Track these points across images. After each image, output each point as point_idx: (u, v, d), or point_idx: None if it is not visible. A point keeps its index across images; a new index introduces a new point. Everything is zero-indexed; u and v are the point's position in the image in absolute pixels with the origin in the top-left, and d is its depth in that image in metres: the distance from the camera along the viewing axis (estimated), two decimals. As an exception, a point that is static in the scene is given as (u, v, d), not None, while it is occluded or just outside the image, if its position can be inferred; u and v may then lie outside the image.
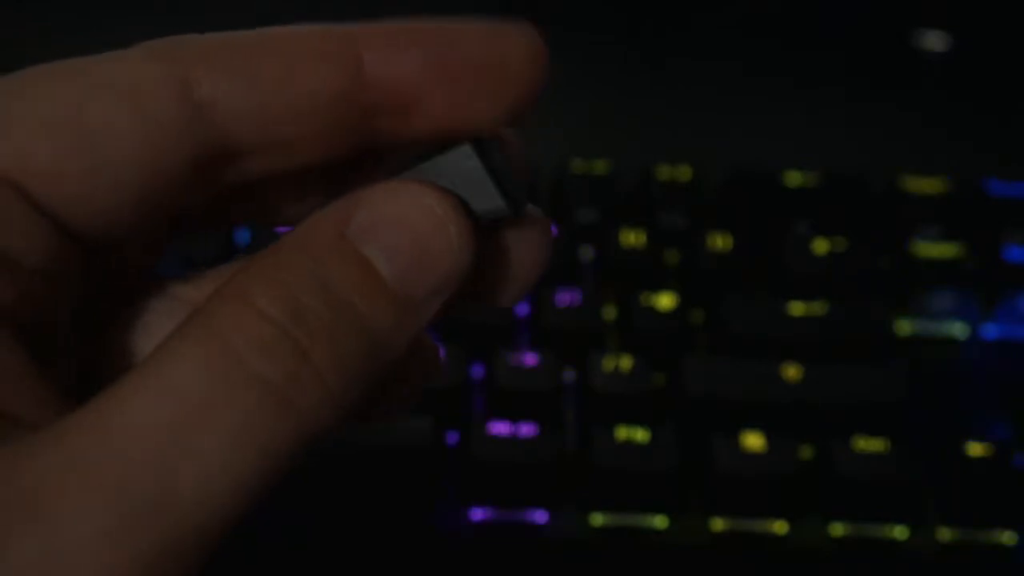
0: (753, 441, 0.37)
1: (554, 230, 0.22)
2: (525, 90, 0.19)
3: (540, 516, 0.37)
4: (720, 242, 0.42)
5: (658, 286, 0.41)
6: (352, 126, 0.20)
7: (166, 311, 0.21)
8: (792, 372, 0.39)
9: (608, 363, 0.38)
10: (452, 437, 0.38)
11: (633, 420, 0.37)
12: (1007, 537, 0.37)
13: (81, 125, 0.18)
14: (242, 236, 0.42)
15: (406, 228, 0.18)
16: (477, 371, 0.39)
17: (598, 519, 0.37)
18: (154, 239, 0.21)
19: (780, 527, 0.37)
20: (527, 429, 0.37)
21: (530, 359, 0.38)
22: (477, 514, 0.37)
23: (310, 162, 0.20)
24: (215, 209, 0.21)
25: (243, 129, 0.19)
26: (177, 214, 0.20)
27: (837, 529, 0.37)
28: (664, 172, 0.44)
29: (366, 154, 0.21)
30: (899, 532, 0.37)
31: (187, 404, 0.16)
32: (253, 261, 0.18)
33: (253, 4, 0.51)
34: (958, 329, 0.42)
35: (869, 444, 0.37)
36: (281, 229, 0.22)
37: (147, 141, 0.18)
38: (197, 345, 0.17)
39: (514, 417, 0.37)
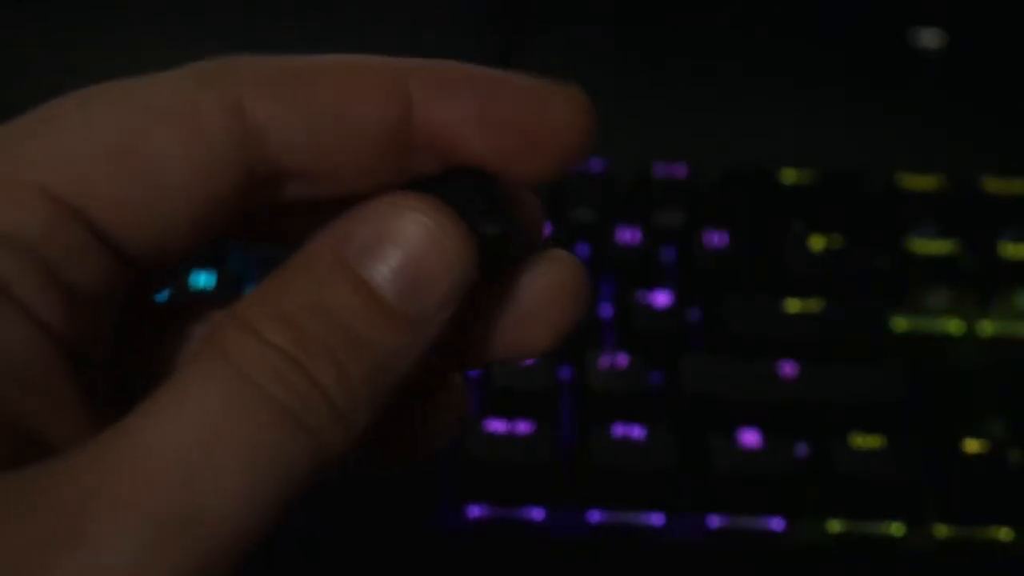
0: (751, 439, 0.37)
1: (584, 272, 0.21)
2: (567, 155, 0.20)
3: (537, 514, 0.37)
4: (717, 240, 0.42)
5: (655, 284, 0.41)
6: (397, 160, 0.20)
7: (201, 328, 0.21)
8: (789, 370, 0.39)
9: (604, 361, 0.38)
10: (449, 435, 0.38)
11: (630, 418, 0.37)
12: (1004, 534, 0.37)
13: (142, 152, 0.18)
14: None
15: (402, 246, 0.18)
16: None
17: (595, 516, 0.37)
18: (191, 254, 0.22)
19: (778, 525, 0.37)
20: (524, 427, 0.37)
21: (527, 357, 0.38)
22: (474, 512, 0.37)
23: (355, 190, 0.20)
24: (256, 227, 0.21)
25: (292, 156, 0.19)
26: (220, 232, 0.20)
27: (835, 526, 0.37)
28: (661, 170, 0.44)
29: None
30: (896, 529, 0.37)
31: (206, 425, 0.17)
32: (258, 287, 0.18)
33: (253, 3, 0.51)
34: (955, 326, 0.42)
35: (866, 441, 0.37)
36: None
37: (203, 168, 0.19)
38: (211, 369, 0.17)
39: (511, 415, 0.37)
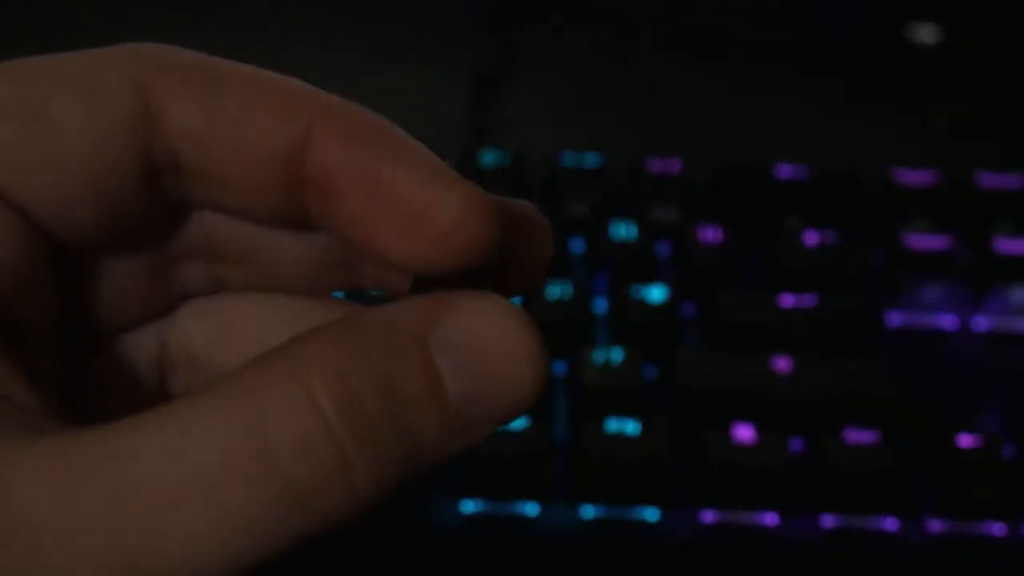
0: (745, 434, 0.37)
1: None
2: (452, 249, 0.18)
3: (531, 509, 0.37)
4: (712, 236, 0.42)
5: (649, 279, 0.41)
6: (288, 189, 0.19)
7: (144, 331, 0.21)
8: (784, 365, 0.39)
9: (599, 355, 0.38)
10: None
11: (624, 413, 0.37)
12: (997, 528, 0.37)
13: (41, 117, 0.18)
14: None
15: (485, 352, 0.18)
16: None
17: (589, 512, 0.37)
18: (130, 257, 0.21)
19: (772, 520, 0.37)
20: (519, 421, 0.37)
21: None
22: (469, 507, 0.37)
23: (249, 208, 0.20)
24: (161, 230, 0.21)
25: (187, 151, 0.19)
26: (135, 227, 0.20)
27: (828, 521, 0.37)
28: (657, 165, 0.44)
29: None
30: (890, 524, 0.37)
31: (197, 475, 0.16)
32: (324, 334, 0.17)
33: (252, 1, 0.51)
34: (949, 322, 0.42)
35: (860, 436, 0.37)
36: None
37: (103, 138, 0.19)
38: (228, 413, 0.16)
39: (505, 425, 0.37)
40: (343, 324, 0.18)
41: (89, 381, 0.21)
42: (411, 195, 0.18)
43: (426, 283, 0.19)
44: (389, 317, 0.18)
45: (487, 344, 0.18)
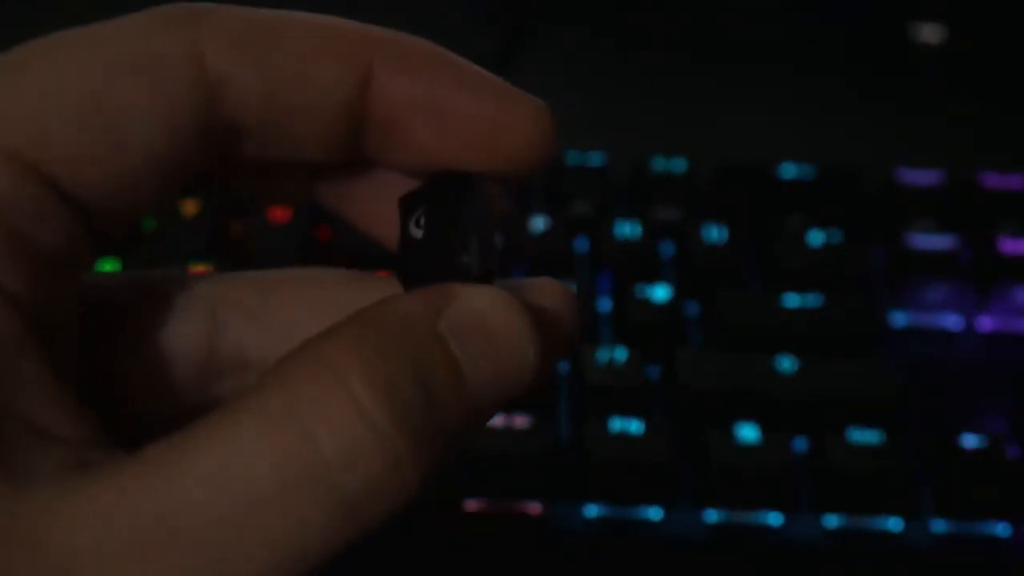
0: (748, 434, 0.37)
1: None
2: (518, 163, 0.19)
3: (534, 508, 0.37)
4: (715, 235, 0.42)
5: (653, 278, 0.41)
6: (350, 132, 0.19)
7: (181, 307, 0.21)
8: (787, 365, 0.39)
9: (602, 355, 0.38)
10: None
11: (627, 412, 0.37)
12: (1001, 528, 0.37)
13: (105, 108, 0.17)
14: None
15: (496, 340, 0.18)
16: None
17: (592, 511, 0.37)
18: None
19: (775, 520, 0.37)
20: (521, 421, 0.37)
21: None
22: (471, 505, 0.37)
23: (307, 158, 0.20)
24: (208, 183, 0.21)
25: (247, 112, 0.19)
26: (179, 189, 0.20)
27: (831, 521, 0.37)
28: (660, 164, 0.44)
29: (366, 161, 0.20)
30: (893, 524, 0.37)
31: (249, 500, 0.15)
32: (350, 336, 0.17)
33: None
34: (952, 322, 0.42)
35: (863, 436, 0.37)
36: None
37: (166, 122, 0.18)
38: (272, 427, 0.16)
39: (508, 409, 0.37)
40: (355, 322, 0.17)
41: (128, 387, 0.21)
42: (480, 118, 0.19)
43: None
44: (402, 313, 0.18)
45: (491, 326, 0.18)
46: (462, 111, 0.19)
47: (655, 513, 0.37)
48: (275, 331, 0.22)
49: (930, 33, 0.52)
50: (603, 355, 0.38)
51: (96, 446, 0.17)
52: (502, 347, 0.18)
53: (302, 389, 0.16)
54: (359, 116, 0.19)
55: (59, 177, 0.17)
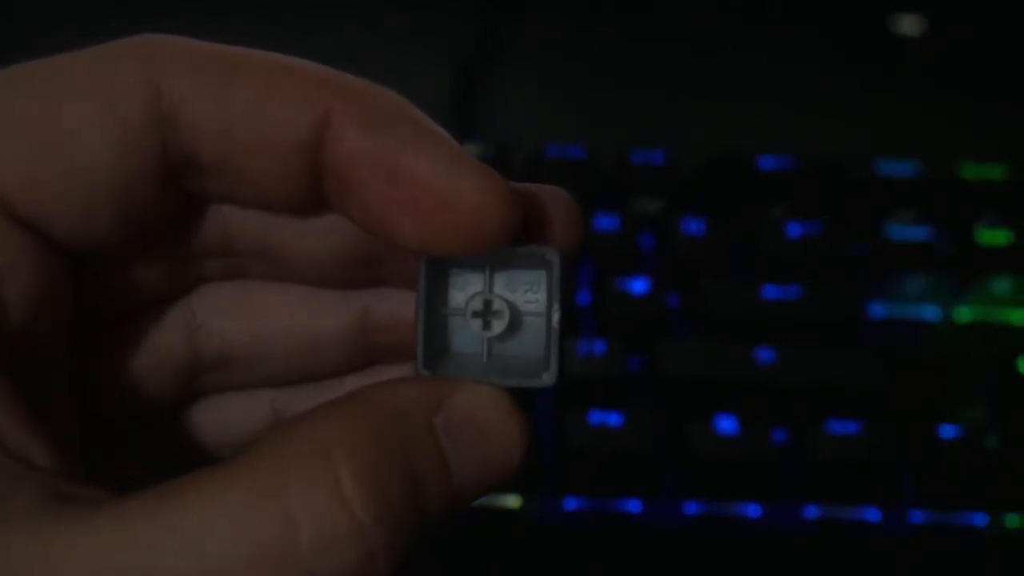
0: (728, 424, 0.37)
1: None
2: (467, 240, 0.18)
3: (514, 500, 0.37)
4: (695, 227, 0.42)
5: (633, 270, 0.41)
6: (305, 176, 0.19)
7: (160, 329, 0.21)
8: (767, 355, 0.39)
9: (582, 347, 0.38)
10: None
11: (608, 404, 0.37)
12: (979, 519, 0.37)
13: (55, 127, 0.18)
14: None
15: (484, 433, 0.18)
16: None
17: (572, 503, 0.37)
18: (139, 257, 0.21)
19: (755, 510, 0.37)
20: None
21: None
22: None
23: (265, 198, 0.20)
24: (174, 226, 0.21)
25: (205, 145, 0.19)
26: (143, 222, 0.19)
27: (811, 511, 0.37)
28: (640, 157, 0.44)
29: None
30: (872, 514, 0.37)
31: (219, 571, 0.16)
32: (340, 416, 0.17)
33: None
34: (931, 312, 0.42)
35: (843, 427, 0.37)
36: None
37: (119, 143, 0.18)
38: (256, 503, 0.16)
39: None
40: (355, 403, 0.18)
41: (112, 393, 0.21)
42: (429, 183, 0.18)
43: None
44: (401, 402, 0.18)
45: (485, 426, 0.18)
46: (411, 171, 0.18)
47: (636, 505, 0.37)
48: (255, 325, 0.22)
49: (910, 25, 0.52)
50: (584, 347, 0.38)
51: (71, 478, 0.17)
52: (492, 443, 0.18)
53: (291, 471, 0.16)
54: (314, 162, 0.19)
55: (13, 202, 0.18)
